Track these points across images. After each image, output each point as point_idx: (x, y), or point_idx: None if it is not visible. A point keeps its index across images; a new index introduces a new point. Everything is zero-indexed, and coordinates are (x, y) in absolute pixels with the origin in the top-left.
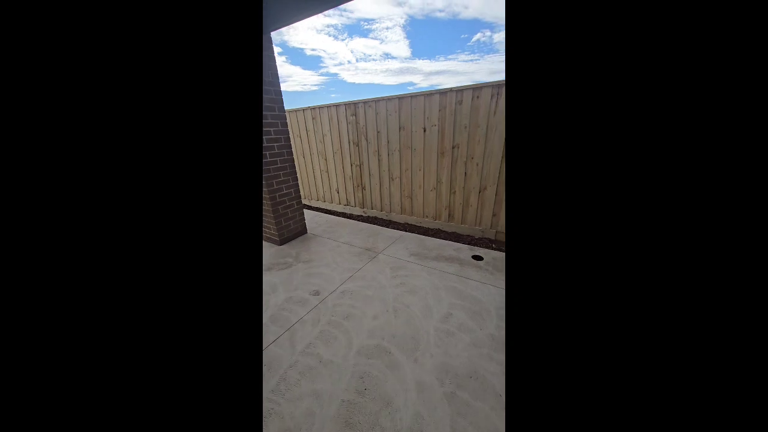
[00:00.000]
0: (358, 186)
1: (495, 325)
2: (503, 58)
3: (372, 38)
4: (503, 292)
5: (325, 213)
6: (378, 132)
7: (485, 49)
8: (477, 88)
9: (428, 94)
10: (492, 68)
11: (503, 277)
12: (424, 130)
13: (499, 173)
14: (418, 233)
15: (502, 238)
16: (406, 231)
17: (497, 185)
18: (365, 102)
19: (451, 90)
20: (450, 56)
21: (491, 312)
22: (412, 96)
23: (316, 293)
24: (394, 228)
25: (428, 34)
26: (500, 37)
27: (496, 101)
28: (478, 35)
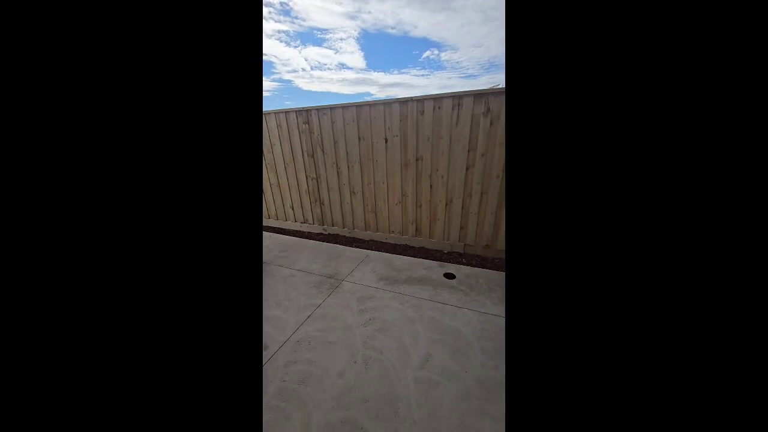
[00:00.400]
0: (315, 201)
1: (480, 363)
2: (451, 75)
3: (326, 47)
4: (481, 316)
5: (278, 233)
6: (335, 142)
7: (434, 66)
8: (437, 99)
9: (387, 103)
10: (442, 83)
11: (478, 297)
12: (386, 141)
13: (464, 185)
14: (384, 251)
15: (471, 251)
16: (371, 249)
17: (463, 198)
18: (319, 109)
19: (411, 99)
20: (403, 70)
21: (473, 345)
22: (371, 104)
23: (263, 348)
24: (358, 246)
25: (382, 48)
26: (447, 56)
27: (457, 113)
28: (428, 52)
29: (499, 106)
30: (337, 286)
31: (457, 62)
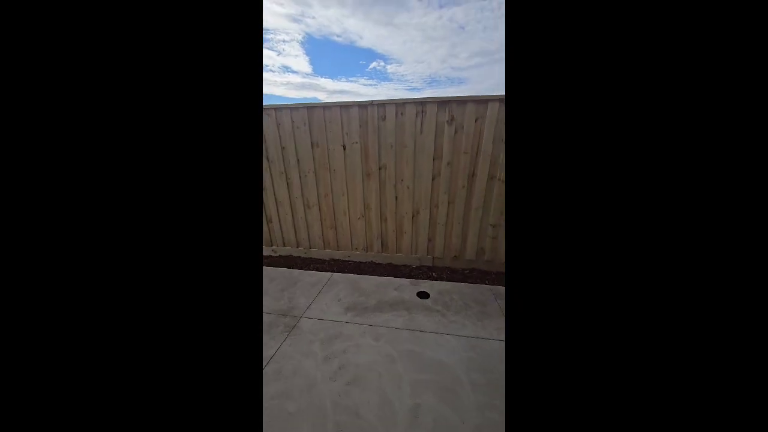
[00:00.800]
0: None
1: (475, 405)
2: (397, 86)
3: (268, 48)
4: (463, 341)
5: None
6: (283, 148)
7: (381, 77)
8: (400, 104)
9: (345, 106)
10: (389, 94)
11: (455, 317)
12: (344, 148)
13: (431, 196)
14: (348, 271)
15: (440, 263)
16: (333, 271)
17: (429, 208)
18: (263, 109)
19: (371, 103)
20: (351, 78)
21: (463, 382)
22: (325, 106)
23: None
24: (317, 268)
25: (328, 54)
26: (392, 68)
27: (421, 120)
28: (374, 63)
29: (462, 114)
30: (295, 326)
31: (402, 75)
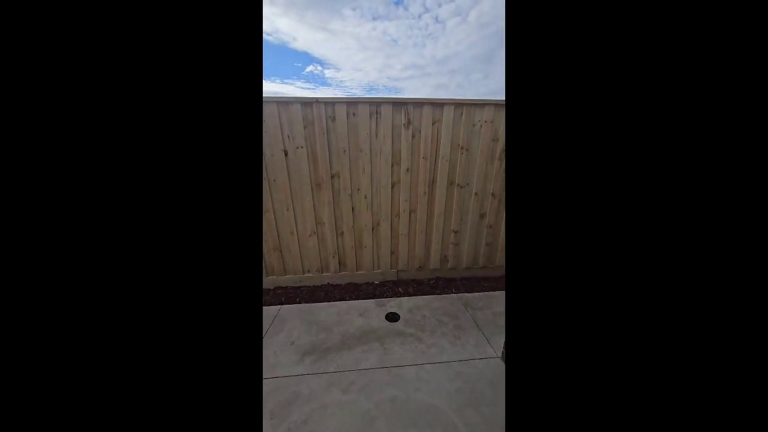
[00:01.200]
0: None
1: None
2: (336, 91)
3: None
4: (445, 369)
5: None
6: None
7: (319, 81)
8: (352, 103)
9: (283, 102)
10: None
11: (432, 339)
12: (286, 154)
13: (391, 204)
14: (301, 300)
15: (405, 276)
16: (281, 303)
17: (390, 218)
18: None
19: (317, 101)
20: (287, 80)
21: (458, 426)
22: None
23: None
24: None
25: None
26: (331, 73)
27: (377, 122)
28: (311, 67)
29: (419, 117)
30: None
31: (341, 81)
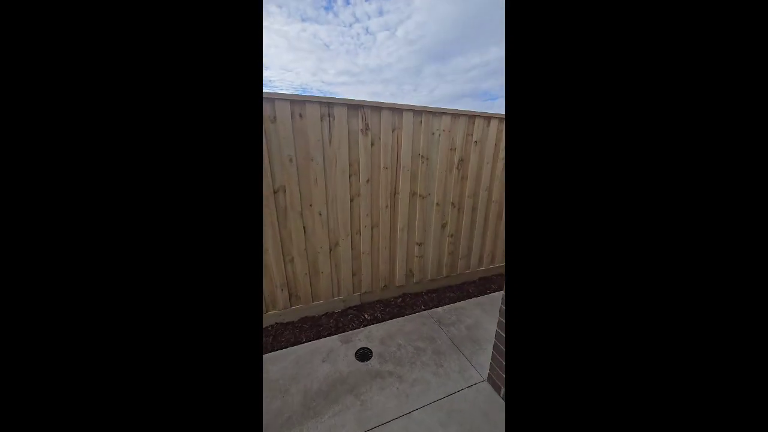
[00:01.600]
0: None
1: None
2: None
3: None
4: (434, 412)
5: None
6: None
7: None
8: (297, 102)
9: None
10: None
11: (413, 373)
12: None
13: (350, 221)
14: None
15: (369, 299)
16: None
17: (351, 236)
18: None
19: None
20: None
21: None
22: None
23: None
24: None
25: None
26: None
27: (329, 126)
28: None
29: (378, 123)
30: None
31: (270, 80)
